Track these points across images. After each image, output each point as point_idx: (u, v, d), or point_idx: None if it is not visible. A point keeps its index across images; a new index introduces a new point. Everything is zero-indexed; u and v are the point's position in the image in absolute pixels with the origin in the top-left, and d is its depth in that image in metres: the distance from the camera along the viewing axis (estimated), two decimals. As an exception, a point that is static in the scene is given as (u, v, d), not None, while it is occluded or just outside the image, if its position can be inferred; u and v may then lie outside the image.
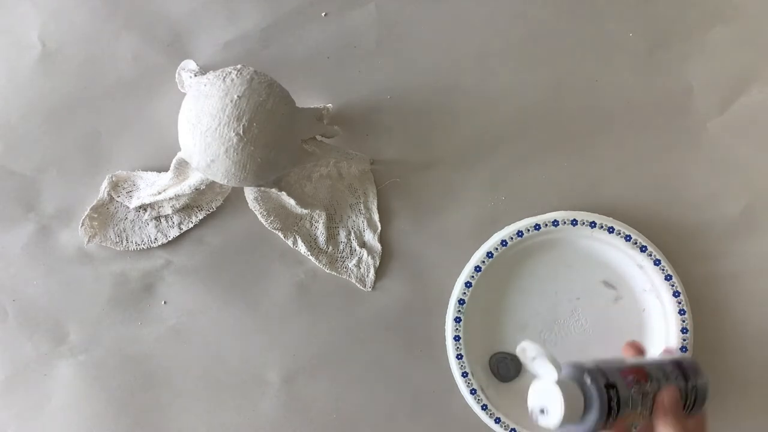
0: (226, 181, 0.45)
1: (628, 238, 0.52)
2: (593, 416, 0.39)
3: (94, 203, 0.53)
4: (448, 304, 0.53)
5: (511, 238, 0.53)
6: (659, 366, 0.43)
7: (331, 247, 0.54)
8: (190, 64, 0.52)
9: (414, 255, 0.54)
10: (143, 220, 0.53)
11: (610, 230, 0.52)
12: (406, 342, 0.54)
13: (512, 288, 0.54)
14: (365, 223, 0.54)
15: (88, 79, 0.53)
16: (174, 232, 0.53)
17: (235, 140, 0.41)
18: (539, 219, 0.53)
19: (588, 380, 0.39)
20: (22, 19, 0.53)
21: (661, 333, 0.53)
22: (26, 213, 0.54)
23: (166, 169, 0.49)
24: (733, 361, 0.55)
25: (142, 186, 0.52)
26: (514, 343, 0.54)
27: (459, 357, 0.53)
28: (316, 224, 0.53)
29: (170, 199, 0.51)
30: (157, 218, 0.53)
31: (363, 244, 0.54)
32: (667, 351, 0.51)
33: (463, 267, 0.53)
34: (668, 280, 0.53)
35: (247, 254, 0.54)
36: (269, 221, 0.52)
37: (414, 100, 0.54)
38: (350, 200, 0.54)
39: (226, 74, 0.43)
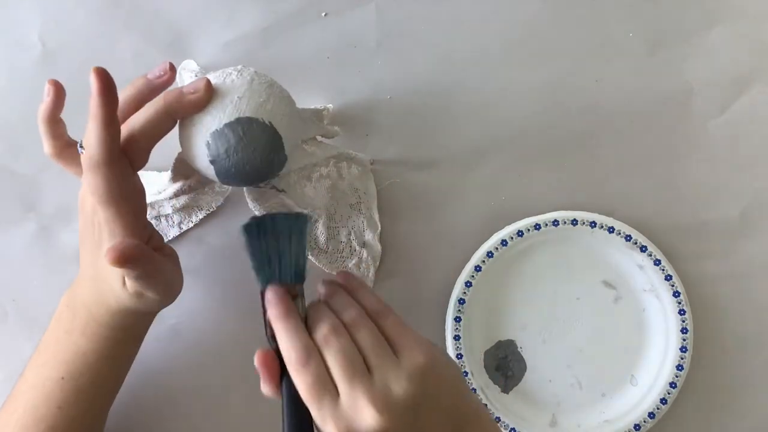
0: (226, 181, 0.45)
1: (628, 238, 0.52)
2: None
3: (94, 203, 0.53)
4: (448, 304, 0.53)
5: (511, 238, 0.53)
6: None
7: (331, 247, 0.54)
8: (191, 65, 0.52)
9: (414, 255, 0.54)
10: (143, 220, 0.53)
11: (610, 230, 0.52)
12: (406, 342, 0.54)
13: (512, 288, 0.54)
14: (365, 223, 0.54)
15: (88, 79, 0.53)
16: (174, 232, 0.53)
17: (234, 141, 0.41)
18: (539, 219, 0.53)
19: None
20: (22, 19, 0.53)
21: (661, 333, 0.54)
22: (26, 213, 0.54)
23: (166, 169, 0.49)
24: (733, 361, 0.55)
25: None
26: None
27: (459, 357, 0.53)
28: (316, 224, 0.53)
29: (170, 198, 0.51)
30: (157, 218, 0.53)
31: (363, 244, 0.54)
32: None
33: (463, 267, 0.53)
34: (668, 280, 0.53)
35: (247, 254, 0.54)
36: (269, 221, 0.52)
37: (414, 100, 0.54)
38: (350, 200, 0.54)
39: (227, 75, 0.43)
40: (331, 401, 0.37)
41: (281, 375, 0.40)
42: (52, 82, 0.43)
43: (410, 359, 0.39)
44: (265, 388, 0.40)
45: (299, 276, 0.43)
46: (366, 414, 0.36)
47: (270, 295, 0.41)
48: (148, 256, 0.40)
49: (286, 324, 0.40)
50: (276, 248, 0.42)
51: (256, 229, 0.42)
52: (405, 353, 0.39)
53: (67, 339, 0.45)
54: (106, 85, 0.38)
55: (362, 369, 0.38)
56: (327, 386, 0.37)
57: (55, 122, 0.45)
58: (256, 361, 0.40)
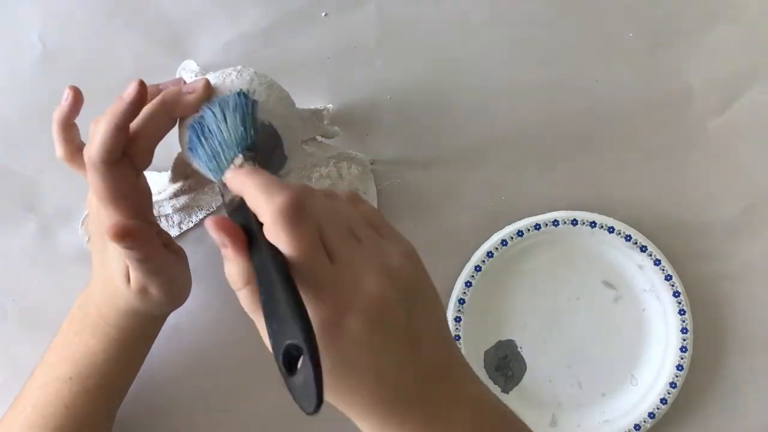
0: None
1: (628, 238, 0.52)
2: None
3: (94, 203, 0.53)
4: (448, 303, 0.53)
5: (511, 238, 0.53)
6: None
7: (331, 247, 0.54)
8: (191, 65, 0.52)
9: (414, 255, 0.54)
10: (143, 220, 0.53)
11: (610, 230, 0.52)
12: (406, 342, 0.54)
13: (512, 288, 0.54)
14: (365, 223, 0.54)
15: (88, 79, 0.53)
16: (174, 232, 0.53)
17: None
18: (539, 219, 0.53)
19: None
20: (22, 19, 0.53)
21: (661, 333, 0.54)
22: (26, 213, 0.54)
23: (166, 169, 0.49)
24: (733, 361, 0.55)
25: (142, 186, 0.52)
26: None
27: (459, 357, 0.53)
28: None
29: (170, 198, 0.51)
30: (157, 218, 0.53)
31: (363, 244, 0.54)
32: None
33: (463, 267, 0.53)
34: (668, 280, 0.53)
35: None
36: (269, 221, 0.52)
37: (414, 100, 0.54)
38: (350, 200, 0.54)
39: (226, 75, 0.43)
40: (326, 265, 0.31)
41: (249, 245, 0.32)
42: (72, 88, 0.44)
43: (398, 242, 0.35)
44: (233, 259, 0.32)
45: (245, 142, 0.38)
46: (367, 279, 0.31)
47: (228, 174, 0.37)
48: (148, 237, 0.40)
49: (258, 177, 0.33)
50: (211, 143, 0.39)
51: (194, 139, 0.40)
52: (391, 238, 0.35)
53: (76, 340, 0.45)
54: (141, 99, 0.39)
55: (355, 235, 0.33)
56: (320, 247, 0.31)
57: (69, 126, 0.45)
58: (212, 228, 0.32)
